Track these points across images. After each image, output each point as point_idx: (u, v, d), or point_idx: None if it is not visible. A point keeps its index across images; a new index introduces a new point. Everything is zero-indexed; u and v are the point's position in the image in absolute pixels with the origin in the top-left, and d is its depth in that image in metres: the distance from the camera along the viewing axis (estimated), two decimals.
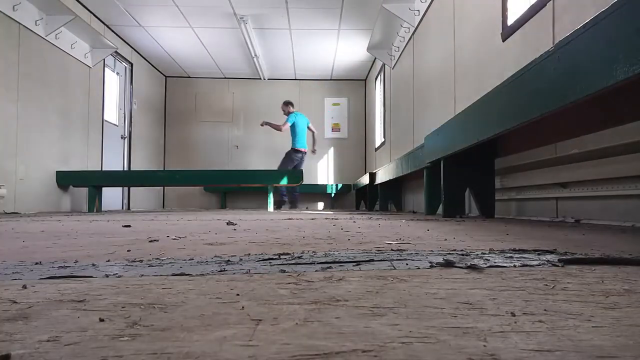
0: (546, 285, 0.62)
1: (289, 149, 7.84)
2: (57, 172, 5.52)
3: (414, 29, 5.53)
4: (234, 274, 0.73)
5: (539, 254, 0.93)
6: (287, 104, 7.90)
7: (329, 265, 0.81)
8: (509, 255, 0.93)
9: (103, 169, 6.68)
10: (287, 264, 0.83)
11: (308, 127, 8.05)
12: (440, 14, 4.57)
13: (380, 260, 0.86)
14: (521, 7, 2.94)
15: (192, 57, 8.10)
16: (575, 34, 1.49)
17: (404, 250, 1.05)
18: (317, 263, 0.84)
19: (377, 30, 6.14)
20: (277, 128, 7.74)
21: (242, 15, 6.29)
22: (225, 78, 9.28)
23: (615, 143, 1.99)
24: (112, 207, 7.19)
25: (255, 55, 7.67)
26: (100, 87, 6.63)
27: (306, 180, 9.05)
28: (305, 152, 7.95)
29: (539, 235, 1.49)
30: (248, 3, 5.96)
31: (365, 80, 9.50)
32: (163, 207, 9.15)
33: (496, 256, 0.91)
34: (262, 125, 7.72)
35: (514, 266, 0.79)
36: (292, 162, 7.73)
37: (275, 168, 9.12)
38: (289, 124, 7.71)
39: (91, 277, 0.71)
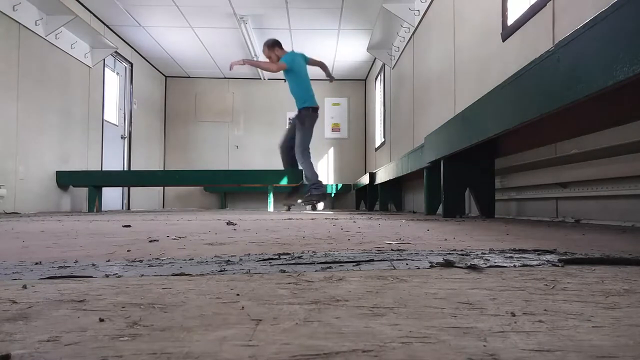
0: (546, 285, 0.62)
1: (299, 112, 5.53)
2: (57, 172, 5.52)
3: (414, 29, 5.53)
4: (234, 274, 0.73)
5: (539, 254, 0.93)
6: (274, 44, 5.46)
7: (329, 265, 0.81)
8: (509, 255, 0.93)
9: (103, 169, 6.68)
10: (287, 264, 0.83)
11: (309, 63, 5.69)
12: (440, 14, 4.57)
13: (380, 260, 0.86)
14: (521, 7, 2.94)
15: (192, 57, 8.10)
16: (575, 34, 1.49)
17: (404, 250, 1.05)
18: (317, 263, 0.84)
19: (377, 30, 6.14)
20: (266, 67, 5.30)
21: (242, 15, 6.29)
22: (225, 78, 9.28)
23: (615, 143, 1.99)
24: (112, 207, 7.19)
25: (255, 55, 7.67)
26: (100, 87, 6.63)
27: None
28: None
29: (539, 235, 1.49)
30: (248, 3, 5.96)
31: (365, 80, 9.50)
32: (163, 207, 9.15)
33: (496, 256, 0.91)
34: (241, 63, 5.36)
35: (514, 266, 0.79)
36: (313, 126, 5.57)
37: (277, 166, 8.94)
38: (285, 64, 5.33)
39: (91, 277, 0.71)
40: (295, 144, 5.51)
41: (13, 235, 1.63)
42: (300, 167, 5.61)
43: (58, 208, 5.61)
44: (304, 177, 5.64)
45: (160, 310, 0.49)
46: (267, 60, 5.53)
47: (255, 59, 7.82)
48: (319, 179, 5.59)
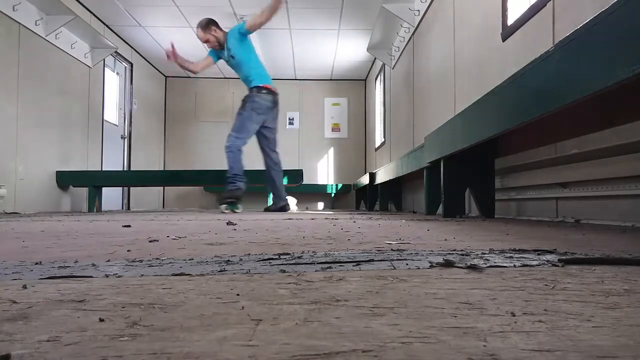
0: (546, 285, 0.62)
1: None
2: (57, 172, 5.52)
3: (414, 29, 5.53)
4: (234, 274, 0.73)
5: (539, 254, 0.93)
6: (208, 24, 4.62)
7: (329, 265, 0.81)
8: (509, 255, 0.93)
9: (103, 169, 6.68)
10: (287, 264, 0.83)
11: (252, 27, 4.49)
12: (440, 14, 4.57)
13: (380, 260, 0.86)
14: (521, 7, 2.94)
15: (192, 57, 8.05)
16: (575, 34, 1.49)
17: (404, 250, 1.05)
18: (317, 263, 0.83)
19: (377, 30, 6.14)
20: (190, 67, 4.75)
21: (242, 15, 6.29)
22: (225, 78, 9.27)
23: (615, 143, 1.99)
24: (112, 207, 7.19)
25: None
26: (100, 87, 6.63)
27: (306, 180, 9.04)
28: (277, 93, 4.74)
29: (539, 235, 1.49)
30: (248, 3, 5.96)
31: (365, 80, 9.50)
32: (163, 207, 9.15)
33: (496, 256, 0.91)
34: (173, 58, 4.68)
35: (514, 266, 0.79)
36: (259, 114, 4.58)
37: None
38: (211, 59, 4.77)
39: (91, 277, 0.71)
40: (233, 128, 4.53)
41: (13, 235, 1.63)
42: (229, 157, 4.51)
43: (58, 208, 5.61)
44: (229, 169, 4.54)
45: (160, 310, 0.49)
46: (206, 44, 4.70)
47: None
48: (238, 173, 4.52)
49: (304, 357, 0.34)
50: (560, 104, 1.58)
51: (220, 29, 4.73)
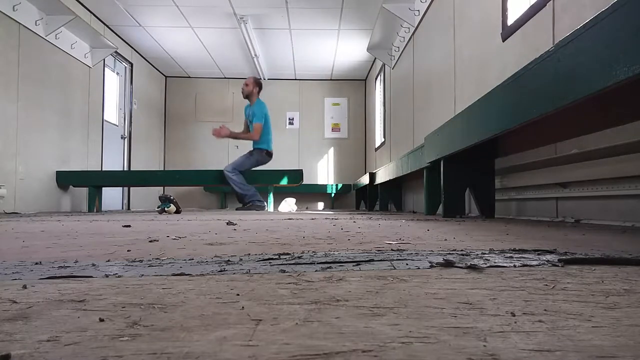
0: (546, 285, 0.62)
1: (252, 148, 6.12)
2: (57, 172, 5.52)
3: (414, 29, 5.53)
4: (234, 274, 0.73)
5: (539, 254, 0.93)
6: (257, 84, 6.17)
7: (329, 265, 0.81)
8: (509, 255, 0.93)
9: (103, 169, 6.68)
10: (287, 264, 0.83)
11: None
12: (440, 14, 4.57)
13: (380, 260, 0.86)
14: (521, 7, 2.94)
15: (192, 57, 8.09)
16: (575, 34, 1.49)
17: (404, 250, 1.05)
18: (317, 263, 0.83)
19: (377, 30, 6.14)
20: (250, 137, 6.07)
21: (242, 15, 6.29)
22: (225, 78, 9.28)
23: (615, 143, 1.99)
24: (112, 207, 7.19)
25: (255, 55, 7.67)
26: (100, 87, 6.63)
27: (306, 180, 9.05)
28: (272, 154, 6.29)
29: (539, 235, 1.49)
30: (248, 3, 5.96)
31: (365, 80, 9.50)
32: None
33: (496, 256, 0.91)
34: (218, 136, 5.90)
35: (514, 266, 0.79)
36: (257, 164, 6.16)
37: (277, 166, 8.64)
38: (260, 124, 5.99)
39: (91, 277, 0.71)
40: (231, 162, 6.02)
41: (13, 235, 1.63)
42: (230, 183, 5.81)
43: (58, 208, 5.61)
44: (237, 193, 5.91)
45: (160, 310, 0.49)
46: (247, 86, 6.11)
47: (255, 59, 7.81)
48: (248, 193, 5.82)
49: (304, 357, 0.34)
50: (560, 104, 1.58)
51: (257, 90, 6.20)
